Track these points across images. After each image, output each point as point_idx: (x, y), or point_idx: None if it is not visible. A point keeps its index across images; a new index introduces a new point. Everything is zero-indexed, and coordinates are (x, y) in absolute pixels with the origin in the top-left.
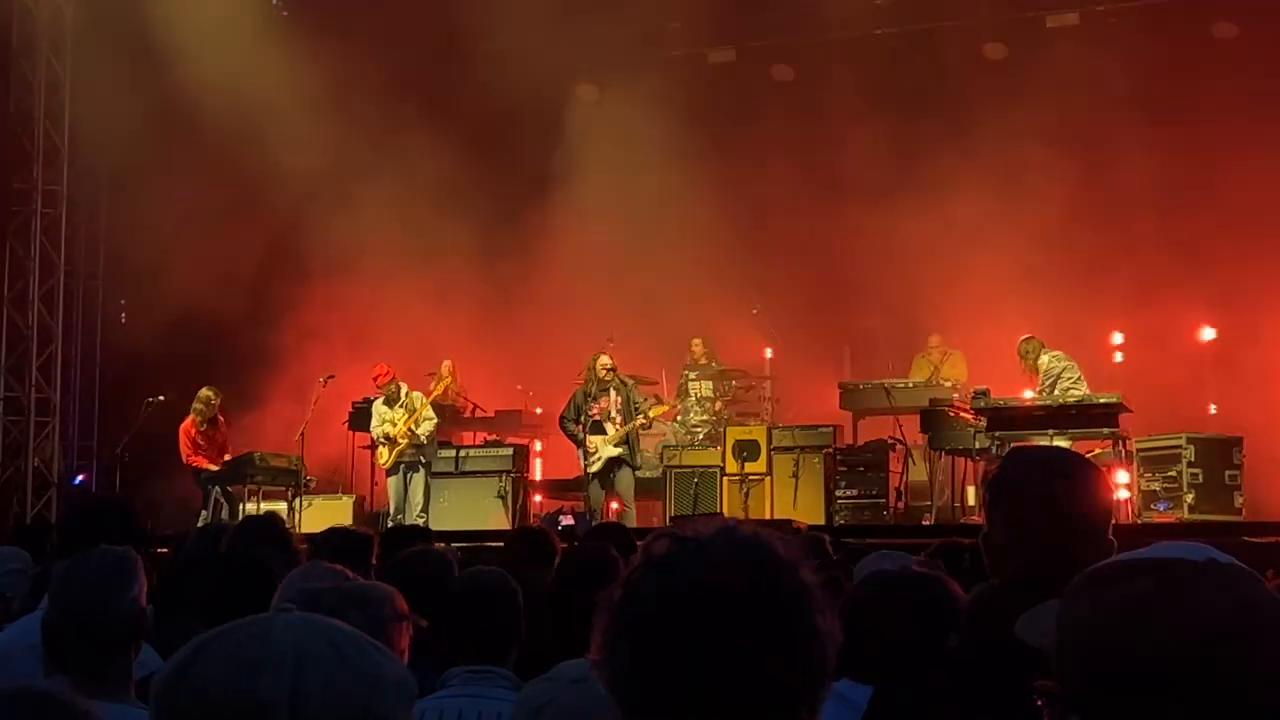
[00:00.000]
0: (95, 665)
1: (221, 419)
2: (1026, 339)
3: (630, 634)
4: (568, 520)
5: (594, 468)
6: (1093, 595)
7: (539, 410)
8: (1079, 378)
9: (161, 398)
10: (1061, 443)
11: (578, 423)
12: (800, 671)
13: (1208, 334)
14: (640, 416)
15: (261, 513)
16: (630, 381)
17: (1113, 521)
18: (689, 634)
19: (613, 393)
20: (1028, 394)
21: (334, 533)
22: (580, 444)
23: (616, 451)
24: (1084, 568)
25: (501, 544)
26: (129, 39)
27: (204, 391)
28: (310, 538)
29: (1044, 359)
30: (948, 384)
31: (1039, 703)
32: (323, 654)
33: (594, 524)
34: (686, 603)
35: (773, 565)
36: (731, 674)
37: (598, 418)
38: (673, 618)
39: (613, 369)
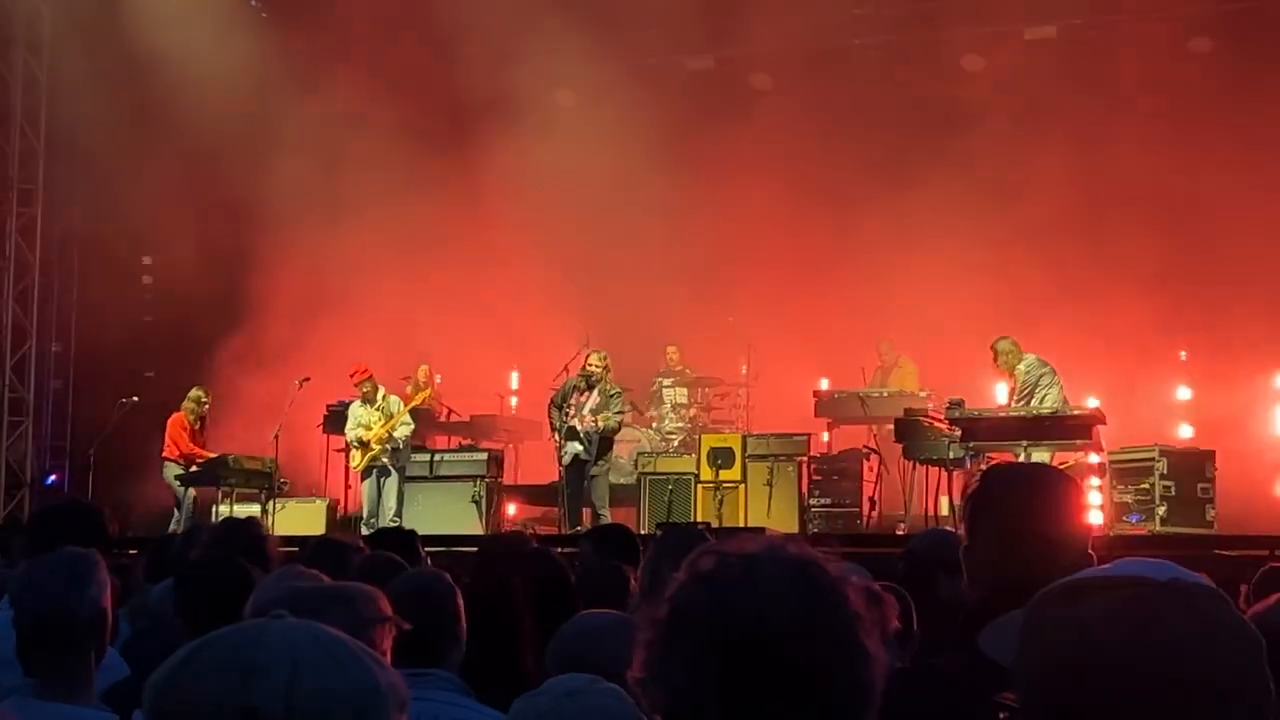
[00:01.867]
0: (56, 666)
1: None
2: (1003, 339)
3: (677, 652)
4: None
5: (565, 459)
6: (1052, 613)
7: (515, 413)
8: (1054, 380)
9: (135, 399)
10: (1037, 453)
11: (560, 409)
12: (848, 694)
13: (1182, 347)
14: (600, 418)
15: (242, 516)
16: (617, 391)
17: (1091, 537)
18: (738, 654)
19: (595, 393)
20: (1000, 386)
21: (322, 543)
22: (555, 432)
23: (580, 449)
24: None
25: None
26: (107, 38)
27: (195, 391)
28: (300, 542)
29: (1021, 367)
30: (922, 394)
31: (1002, 717)
32: (318, 660)
33: (593, 526)
34: (736, 622)
35: (824, 586)
36: (779, 695)
37: (572, 421)
38: (722, 637)
39: (602, 368)
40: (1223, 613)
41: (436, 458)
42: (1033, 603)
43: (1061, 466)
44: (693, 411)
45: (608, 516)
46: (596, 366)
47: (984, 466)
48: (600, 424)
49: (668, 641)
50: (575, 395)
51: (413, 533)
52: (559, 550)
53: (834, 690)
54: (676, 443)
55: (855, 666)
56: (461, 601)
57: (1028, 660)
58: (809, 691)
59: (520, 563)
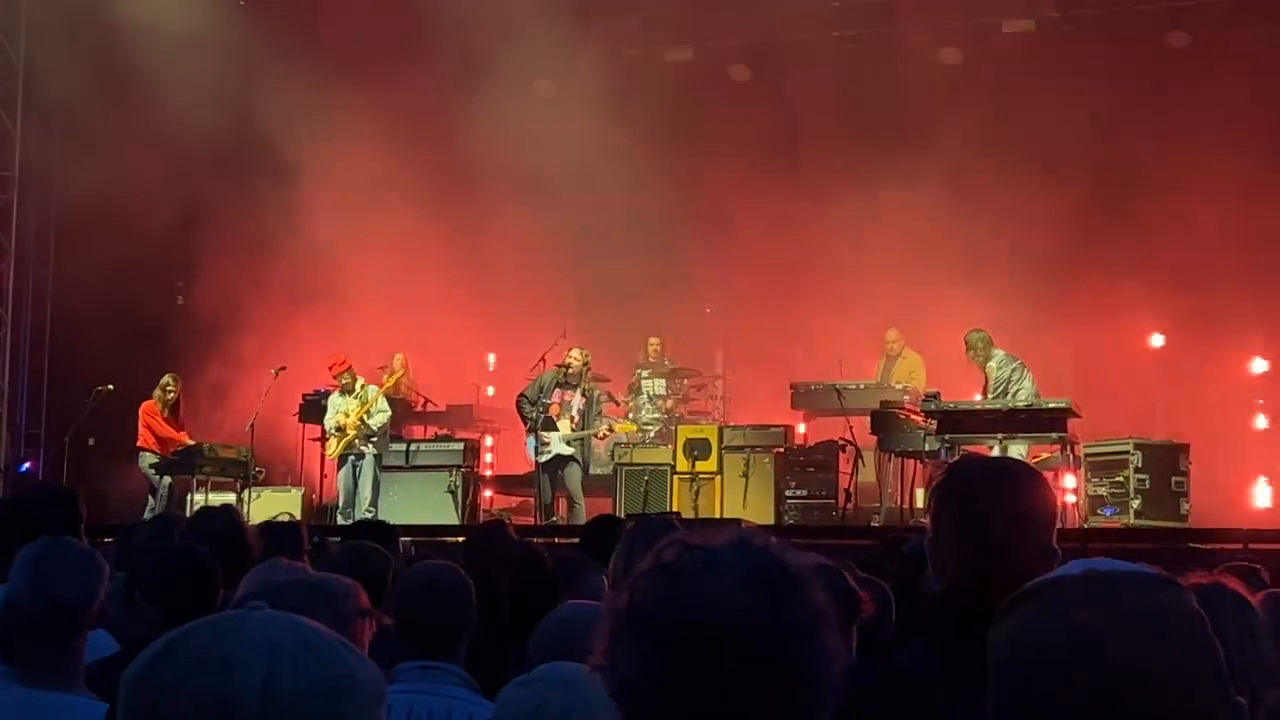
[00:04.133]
0: (54, 654)
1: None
2: (975, 332)
3: (634, 641)
4: None
5: (543, 458)
6: (1030, 611)
7: (491, 403)
8: (1025, 374)
9: (110, 386)
10: (1013, 446)
11: (535, 404)
12: (805, 688)
13: (1157, 341)
14: (604, 427)
15: (217, 505)
16: (599, 392)
17: (1056, 529)
18: (694, 645)
19: (579, 393)
20: (977, 398)
21: (266, 529)
22: (531, 430)
23: (569, 450)
24: (1028, 574)
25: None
26: (84, 24)
27: (165, 378)
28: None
29: (992, 364)
30: (898, 386)
31: None
32: (295, 652)
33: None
34: (693, 614)
35: (784, 581)
36: (736, 688)
37: (554, 414)
38: (678, 628)
39: (582, 364)
40: (1173, 604)
41: (413, 447)
42: (1014, 598)
43: (1037, 460)
44: (670, 403)
45: (583, 507)
46: (577, 362)
47: (954, 459)
48: (606, 431)
49: (625, 630)
50: (557, 392)
51: (391, 526)
52: (534, 540)
53: (789, 686)
54: (653, 433)
55: (812, 662)
56: (475, 596)
57: (1001, 657)
58: (762, 686)
59: (504, 554)
